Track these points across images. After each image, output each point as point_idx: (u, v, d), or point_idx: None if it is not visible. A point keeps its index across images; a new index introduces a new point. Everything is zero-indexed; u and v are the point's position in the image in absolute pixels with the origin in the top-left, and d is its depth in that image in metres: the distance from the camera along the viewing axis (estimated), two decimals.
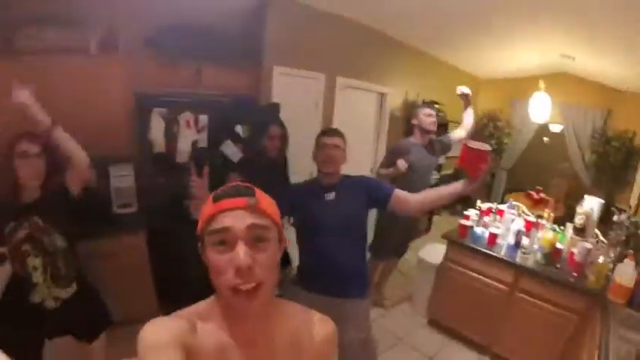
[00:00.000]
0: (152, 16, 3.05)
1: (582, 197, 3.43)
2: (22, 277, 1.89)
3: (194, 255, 2.48)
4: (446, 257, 3.55)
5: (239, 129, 3.20)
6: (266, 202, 0.88)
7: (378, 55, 5.02)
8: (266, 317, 0.90)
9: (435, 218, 6.48)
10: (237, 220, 0.81)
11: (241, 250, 0.79)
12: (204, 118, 3.05)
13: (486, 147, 1.52)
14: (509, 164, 7.52)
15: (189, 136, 3.00)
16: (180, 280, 2.92)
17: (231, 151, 3.14)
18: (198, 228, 0.87)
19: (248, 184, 0.89)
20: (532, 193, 5.17)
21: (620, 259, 2.78)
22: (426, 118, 3.55)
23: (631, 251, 2.77)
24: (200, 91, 3.22)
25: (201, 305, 0.91)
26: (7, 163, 1.84)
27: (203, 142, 3.09)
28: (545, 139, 7.68)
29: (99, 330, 2.24)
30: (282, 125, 3.08)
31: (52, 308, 1.97)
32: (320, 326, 1.00)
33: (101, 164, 2.82)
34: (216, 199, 0.84)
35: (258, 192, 0.88)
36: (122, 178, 2.95)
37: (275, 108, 3.43)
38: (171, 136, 2.92)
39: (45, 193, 1.94)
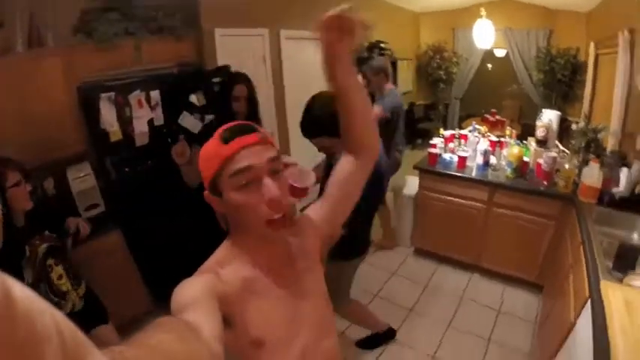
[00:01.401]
0: (75, 1, 2.78)
1: (535, 115, 3.58)
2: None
3: (176, 242, 2.45)
4: (421, 187, 3.65)
5: (193, 98, 3.01)
6: (269, 134, 0.89)
7: (315, 2, 4.85)
8: (287, 239, 0.98)
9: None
10: (257, 156, 0.82)
11: (271, 185, 0.82)
12: (155, 94, 2.82)
13: (307, 182, 1.41)
14: (460, 93, 7.70)
15: (144, 116, 2.78)
16: (169, 270, 2.88)
17: (190, 122, 2.98)
18: (207, 174, 0.86)
19: (244, 121, 0.89)
20: (487, 116, 5.34)
21: (584, 163, 2.96)
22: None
23: (593, 156, 2.95)
24: (144, 67, 3.01)
25: (218, 253, 0.94)
26: None
27: (159, 120, 2.88)
28: (489, 65, 7.90)
29: (105, 318, 2.25)
30: (247, 81, 2.81)
31: (80, 309, 2.03)
32: (307, 223, 1.07)
33: (57, 168, 2.65)
34: (226, 140, 0.83)
35: (261, 128, 0.88)
36: (82, 179, 2.72)
37: (225, 70, 3.30)
38: (125, 120, 2.69)
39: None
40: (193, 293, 0.76)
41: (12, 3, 2.46)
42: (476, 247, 3.46)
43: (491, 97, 7.30)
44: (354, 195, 1.09)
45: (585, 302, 1.84)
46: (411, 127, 6.72)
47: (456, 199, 3.44)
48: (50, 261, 1.91)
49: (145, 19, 3.07)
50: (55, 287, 1.92)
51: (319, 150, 2.00)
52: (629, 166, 2.69)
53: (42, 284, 1.87)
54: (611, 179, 2.69)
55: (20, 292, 0.26)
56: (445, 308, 3.18)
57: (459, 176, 3.38)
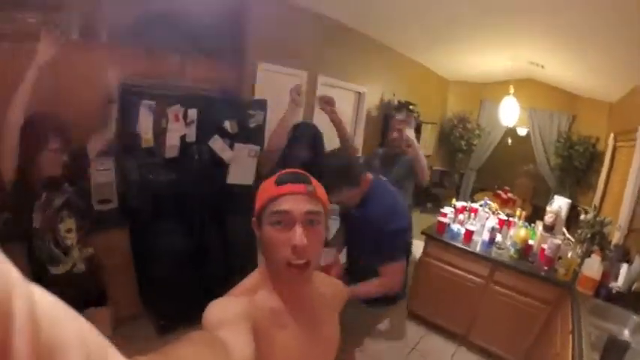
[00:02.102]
0: (135, 4, 2.99)
1: (547, 197, 3.64)
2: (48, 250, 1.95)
3: (176, 255, 2.49)
4: (424, 252, 3.68)
5: (227, 125, 3.17)
6: (320, 190, 0.98)
7: (356, 55, 5.13)
8: (308, 284, 1.03)
9: None
10: (296, 204, 0.91)
11: (298, 232, 0.90)
12: (193, 112, 2.95)
13: (330, 259, 1.56)
14: (477, 165, 7.81)
15: (178, 131, 2.90)
16: (164, 282, 2.91)
17: (219, 146, 3.13)
18: (257, 205, 0.96)
19: (304, 172, 0.99)
20: (500, 193, 5.41)
21: (587, 254, 2.99)
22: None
23: (597, 247, 2.98)
24: (185, 83, 3.19)
25: (248, 281, 1.01)
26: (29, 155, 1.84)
27: (191, 137, 3.00)
28: (509, 140, 8.03)
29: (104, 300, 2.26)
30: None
31: (81, 272, 2.05)
32: (334, 284, 1.21)
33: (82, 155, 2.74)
34: (279, 183, 0.93)
35: (314, 180, 0.98)
36: (103, 172, 2.81)
37: (263, 104, 3.45)
38: (159, 130, 2.81)
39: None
40: (229, 314, 0.82)
41: None
42: (468, 319, 3.44)
43: (507, 173, 7.40)
44: None
45: None
46: (423, 190, 6.80)
47: (457, 271, 3.47)
48: (64, 212, 1.96)
49: (195, 37, 3.26)
50: (59, 238, 1.96)
51: (337, 203, 2.06)
52: (630, 262, 2.72)
53: (48, 232, 1.91)
54: (610, 273, 2.73)
55: (44, 298, 0.27)
56: None
57: (464, 249, 3.41)
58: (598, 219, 3.14)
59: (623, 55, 4.01)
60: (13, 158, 1.79)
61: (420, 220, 4.07)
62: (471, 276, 3.39)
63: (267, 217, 0.92)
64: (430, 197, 7.46)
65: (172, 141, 2.89)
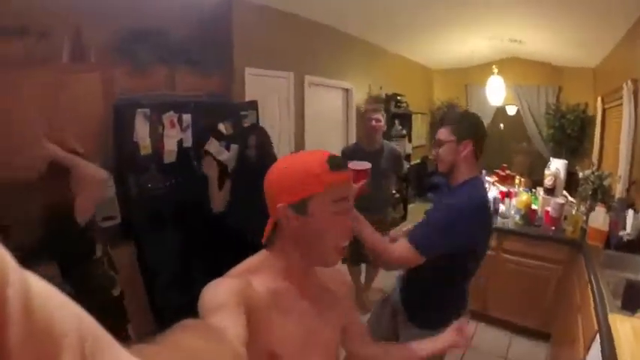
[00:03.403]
0: (119, 23, 3.06)
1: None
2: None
3: (188, 265, 2.49)
4: None
5: (222, 127, 3.22)
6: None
7: (340, 53, 5.21)
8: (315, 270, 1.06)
9: (410, 206, 6.67)
10: (350, 190, 0.97)
11: (351, 217, 0.97)
12: (187, 117, 3.02)
13: (367, 165, 1.53)
14: None
15: (175, 136, 2.97)
16: (177, 294, 2.85)
17: (216, 148, 3.16)
18: (303, 190, 0.90)
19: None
20: (498, 171, 5.42)
21: (591, 209, 3.00)
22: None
23: (600, 202, 2.99)
24: (176, 93, 3.26)
25: (251, 261, 1.00)
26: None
27: (188, 142, 3.07)
28: (501, 125, 8.08)
29: None
30: (259, 133, 2.97)
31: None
32: (343, 279, 1.22)
33: None
34: (334, 167, 0.90)
35: None
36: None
37: (254, 104, 3.50)
38: (156, 138, 2.87)
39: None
40: (224, 296, 0.80)
41: (60, 15, 2.73)
42: (484, 296, 3.42)
43: (503, 154, 7.39)
44: None
45: (594, 336, 1.85)
46: (422, 180, 6.83)
47: None
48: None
49: (180, 50, 3.33)
50: (114, 261, 2.21)
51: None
52: (636, 210, 2.73)
53: (105, 257, 2.13)
54: (617, 222, 2.73)
55: (39, 286, 0.26)
56: (451, 357, 3.09)
57: None
58: (597, 173, 3.16)
59: (596, 21, 4.10)
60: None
61: (422, 210, 4.05)
62: None
63: (328, 205, 0.91)
64: (430, 186, 7.46)
65: (170, 146, 2.96)
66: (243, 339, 0.69)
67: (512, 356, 3.09)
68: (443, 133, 1.70)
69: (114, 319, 2.10)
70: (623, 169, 3.51)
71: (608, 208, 2.84)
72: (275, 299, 0.92)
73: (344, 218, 0.93)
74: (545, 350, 3.10)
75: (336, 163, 0.91)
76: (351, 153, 3.27)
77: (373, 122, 3.32)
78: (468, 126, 1.71)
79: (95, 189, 2.03)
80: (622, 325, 1.71)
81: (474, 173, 1.72)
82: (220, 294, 0.80)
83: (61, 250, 1.98)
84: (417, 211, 5.85)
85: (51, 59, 2.68)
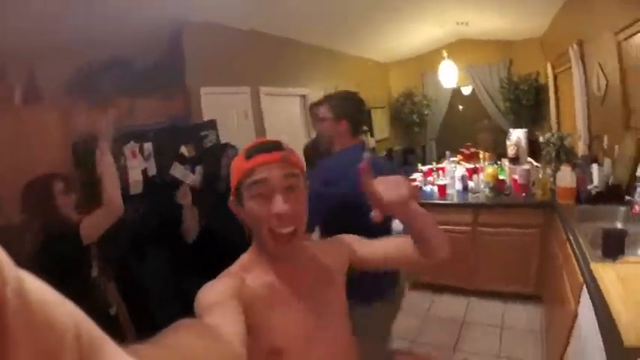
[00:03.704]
0: (74, 60, 2.98)
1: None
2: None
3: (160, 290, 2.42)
4: None
5: (184, 150, 3.16)
6: (293, 154, 0.97)
7: (293, 61, 5.22)
8: (300, 254, 1.02)
9: None
10: (271, 171, 0.89)
11: (279, 200, 0.88)
12: (148, 146, 2.96)
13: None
14: (434, 133, 7.99)
15: (138, 166, 2.90)
16: (160, 320, 2.82)
17: (181, 172, 3.10)
18: (232, 184, 0.95)
19: (270, 139, 0.98)
20: (463, 150, 5.52)
21: (557, 170, 3.07)
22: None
23: (565, 162, 3.06)
24: (136, 123, 3.17)
25: (243, 259, 1.00)
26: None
27: (152, 170, 3.00)
28: (460, 107, 8.25)
29: None
30: (232, 152, 2.97)
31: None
32: (337, 251, 1.14)
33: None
34: (248, 156, 0.91)
35: (285, 144, 0.97)
36: None
37: (212, 124, 3.46)
38: (120, 170, 2.81)
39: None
40: (218, 295, 0.81)
41: (14, 56, 2.65)
42: (468, 270, 3.48)
43: (465, 134, 7.52)
44: (390, 266, 1.26)
45: (582, 288, 1.88)
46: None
47: (442, 227, 3.43)
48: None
49: (139, 79, 3.27)
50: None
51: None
52: (600, 164, 2.80)
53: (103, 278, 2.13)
54: (584, 178, 2.81)
55: (35, 284, 0.26)
56: (447, 335, 3.13)
57: (442, 203, 3.47)
58: (557, 135, 3.24)
59: None
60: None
61: None
62: (457, 227, 3.44)
63: (246, 192, 0.91)
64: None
65: (135, 176, 2.88)
66: (242, 337, 0.69)
67: (508, 324, 3.13)
68: (322, 112, 1.86)
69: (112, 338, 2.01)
70: (581, 127, 3.61)
71: (573, 166, 2.91)
72: (271, 294, 0.92)
73: (267, 203, 0.89)
74: (539, 312, 3.17)
75: (250, 153, 0.92)
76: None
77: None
78: (344, 106, 1.86)
79: (111, 213, 2.01)
80: (606, 273, 1.75)
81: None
82: (215, 293, 0.82)
83: (59, 267, 1.88)
84: None
85: (5, 101, 2.61)
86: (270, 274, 0.95)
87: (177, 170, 3.11)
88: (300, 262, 1.01)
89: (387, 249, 1.16)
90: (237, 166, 0.94)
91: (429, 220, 1.07)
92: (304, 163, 1.00)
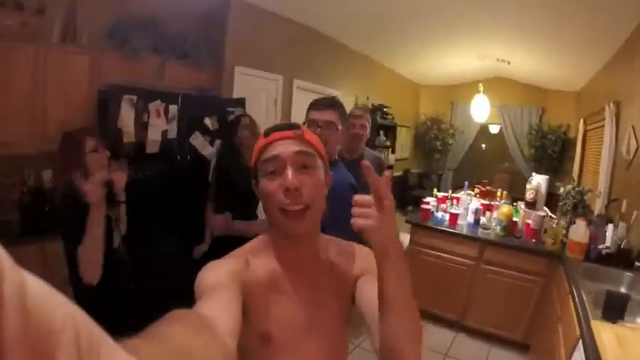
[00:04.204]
0: (114, 9, 3.02)
1: (525, 190, 3.67)
2: None
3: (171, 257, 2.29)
4: (412, 241, 3.68)
5: (207, 122, 3.17)
6: (311, 135, 0.95)
7: (330, 60, 5.26)
8: (312, 243, 0.97)
9: None
10: (285, 148, 0.88)
11: (290, 174, 0.86)
12: (174, 109, 2.96)
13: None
14: (454, 164, 7.96)
15: (160, 126, 2.90)
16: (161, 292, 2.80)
17: (200, 143, 3.11)
18: (252, 164, 0.94)
19: (289, 122, 0.98)
20: (479, 186, 5.49)
21: (571, 222, 3.03)
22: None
23: (580, 217, 3.03)
24: (165, 83, 3.21)
25: (253, 243, 0.99)
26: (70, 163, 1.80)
27: (172, 133, 3.00)
28: (483, 145, 8.23)
29: None
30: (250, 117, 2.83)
31: None
32: (360, 253, 1.04)
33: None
34: (266, 134, 0.91)
35: (304, 127, 0.95)
36: None
37: (241, 102, 3.47)
38: (141, 126, 2.80)
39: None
40: (218, 277, 0.81)
41: None
42: (463, 304, 3.43)
43: (484, 171, 7.51)
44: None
45: (576, 343, 1.85)
46: (404, 193, 6.86)
47: (446, 255, 3.47)
48: None
49: (173, 42, 3.31)
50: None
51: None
52: (615, 225, 2.77)
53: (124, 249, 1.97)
54: (597, 236, 2.76)
55: (35, 285, 0.26)
56: None
57: (451, 232, 3.43)
58: (578, 189, 3.21)
59: (583, 46, 4.24)
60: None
61: (401, 221, 4.08)
62: (461, 259, 3.40)
63: (261, 171, 0.90)
64: (410, 199, 7.50)
65: (154, 136, 2.88)
66: (235, 330, 0.69)
67: None
68: (333, 116, 1.71)
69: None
70: (603, 186, 3.58)
71: (589, 222, 2.87)
72: (272, 281, 0.91)
73: (278, 178, 0.87)
74: None
75: (268, 130, 0.92)
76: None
77: (357, 128, 2.83)
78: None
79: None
80: (605, 332, 1.72)
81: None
82: (216, 274, 0.82)
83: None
84: (398, 223, 5.88)
85: (43, 36, 2.63)
86: (275, 262, 0.94)
87: (197, 140, 3.13)
88: (305, 255, 0.96)
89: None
90: (256, 146, 0.93)
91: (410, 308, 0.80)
92: (323, 146, 0.97)
